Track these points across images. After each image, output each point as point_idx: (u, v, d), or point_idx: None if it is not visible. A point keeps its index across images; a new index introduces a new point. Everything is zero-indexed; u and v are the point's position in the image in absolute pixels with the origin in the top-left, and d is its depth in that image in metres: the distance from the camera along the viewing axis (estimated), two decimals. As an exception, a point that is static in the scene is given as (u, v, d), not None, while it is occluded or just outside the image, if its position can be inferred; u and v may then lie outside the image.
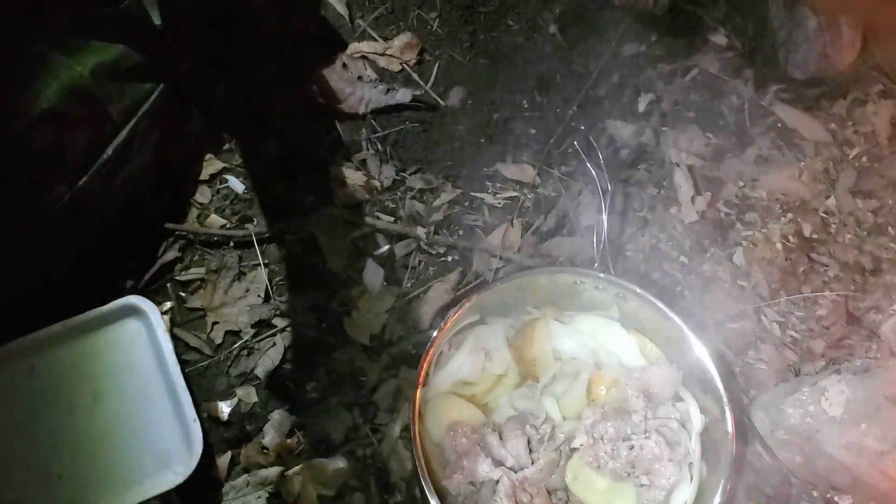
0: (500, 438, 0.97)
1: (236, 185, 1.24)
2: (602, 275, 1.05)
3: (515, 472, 0.95)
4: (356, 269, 1.20)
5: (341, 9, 1.40)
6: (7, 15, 0.98)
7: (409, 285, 1.19)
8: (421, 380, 0.98)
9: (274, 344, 1.13)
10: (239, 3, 1.32)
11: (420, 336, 1.13)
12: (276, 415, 1.06)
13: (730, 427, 0.94)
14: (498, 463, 0.95)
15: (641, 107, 1.36)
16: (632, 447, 0.95)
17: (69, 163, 1.07)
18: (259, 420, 1.07)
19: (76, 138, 1.07)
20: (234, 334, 1.13)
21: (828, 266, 1.21)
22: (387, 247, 1.21)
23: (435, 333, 0.99)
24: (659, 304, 1.01)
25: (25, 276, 1.03)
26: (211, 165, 1.25)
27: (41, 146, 1.04)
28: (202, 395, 1.08)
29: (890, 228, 1.26)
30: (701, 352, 0.98)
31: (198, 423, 0.99)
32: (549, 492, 0.95)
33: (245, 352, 1.12)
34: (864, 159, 1.31)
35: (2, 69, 1.00)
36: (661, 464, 0.94)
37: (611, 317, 1.08)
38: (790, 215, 1.26)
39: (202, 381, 1.10)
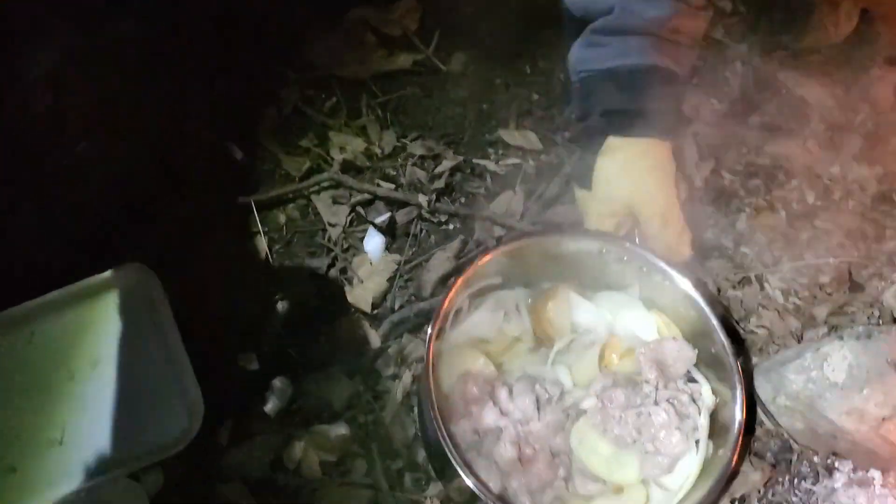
0: (510, 393, 0.97)
1: (234, 151, 1.23)
2: (628, 244, 1.03)
3: (521, 426, 0.95)
4: (357, 237, 1.19)
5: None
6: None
7: (410, 253, 1.18)
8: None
9: (275, 312, 1.12)
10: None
11: (422, 304, 1.13)
12: (278, 382, 1.06)
13: (738, 413, 0.94)
14: (504, 414, 0.95)
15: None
16: (639, 414, 0.95)
17: (69, 128, 1.06)
18: (261, 387, 1.07)
19: (73, 103, 1.06)
20: (235, 303, 1.12)
21: (831, 233, 1.21)
22: (388, 214, 1.20)
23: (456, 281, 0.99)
24: (684, 281, 1.00)
25: (26, 243, 1.02)
26: (209, 132, 1.23)
27: (40, 111, 1.03)
28: (203, 363, 1.07)
29: (894, 195, 1.25)
30: (721, 339, 0.97)
31: (198, 391, 0.99)
32: (552, 454, 0.95)
33: (246, 319, 1.11)
34: (869, 126, 1.30)
35: (-1, 33, 0.99)
36: (669, 432, 0.94)
37: (632, 295, 1.07)
38: (794, 182, 1.25)
39: (203, 348, 1.08)
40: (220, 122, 1.25)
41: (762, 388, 1.06)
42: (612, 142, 1.02)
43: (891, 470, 0.98)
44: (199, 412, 0.98)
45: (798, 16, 1.34)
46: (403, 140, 1.27)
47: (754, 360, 1.11)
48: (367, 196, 1.21)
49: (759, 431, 1.06)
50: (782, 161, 1.27)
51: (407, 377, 1.07)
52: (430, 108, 1.31)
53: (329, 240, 1.19)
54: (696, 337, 1.01)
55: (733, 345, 0.97)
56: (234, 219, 1.19)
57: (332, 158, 1.24)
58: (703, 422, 0.97)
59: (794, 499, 1.01)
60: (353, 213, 1.21)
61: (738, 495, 1.01)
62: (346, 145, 1.25)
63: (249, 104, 1.27)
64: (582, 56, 1.03)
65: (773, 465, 1.03)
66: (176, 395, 1.01)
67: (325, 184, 1.22)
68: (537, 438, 0.95)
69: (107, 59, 1.11)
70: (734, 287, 1.16)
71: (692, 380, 1.01)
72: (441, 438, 0.89)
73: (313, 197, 1.21)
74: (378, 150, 1.25)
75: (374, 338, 1.11)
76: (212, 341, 1.09)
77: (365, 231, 1.19)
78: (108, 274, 1.05)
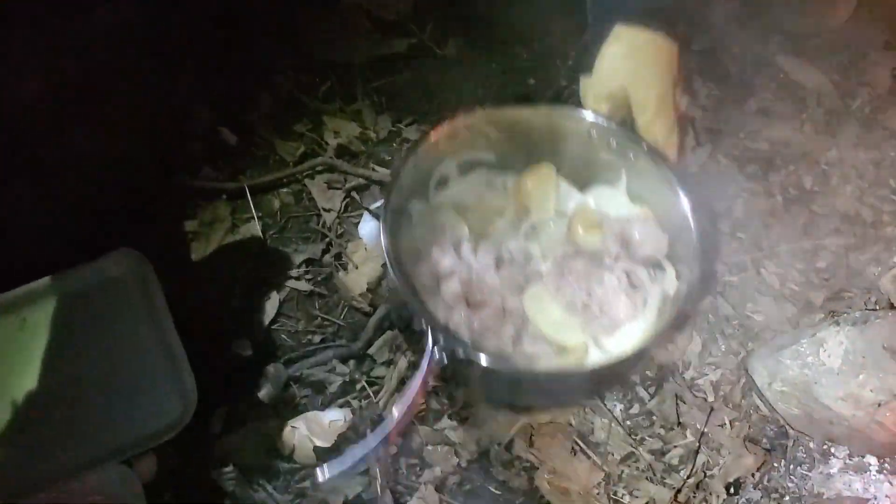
0: (474, 248, 1.01)
1: (229, 136, 1.22)
2: (617, 127, 1.02)
3: (476, 275, 0.99)
4: (351, 222, 1.18)
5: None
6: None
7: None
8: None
9: (269, 297, 1.12)
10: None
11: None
12: (272, 368, 1.05)
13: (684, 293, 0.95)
14: (461, 260, 0.99)
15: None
16: (592, 278, 0.99)
17: (63, 117, 1.06)
18: (255, 373, 1.06)
19: (66, 87, 1.06)
20: (228, 288, 1.12)
21: (828, 218, 1.20)
22: (383, 199, 1.19)
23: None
24: (668, 174, 1.00)
25: (19, 229, 1.02)
26: (204, 117, 1.23)
27: (34, 100, 1.03)
28: (196, 349, 1.06)
29: (891, 180, 1.25)
30: (693, 239, 0.97)
31: (192, 377, 0.98)
32: (504, 310, 0.98)
33: (239, 305, 1.11)
34: (867, 111, 1.30)
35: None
36: (616, 296, 0.98)
37: (619, 189, 1.07)
38: (791, 167, 1.24)
39: (196, 334, 1.07)
40: (214, 107, 1.24)
41: (758, 374, 1.06)
42: (620, 29, 1.00)
43: (887, 455, 0.98)
44: (192, 398, 0.97)
45: (796, 1, 1.33)
46: (398, 125, 1.26)
47: (750, 345, 1.10)
48: (361, 181, 1.21)
49: (754, 417, 1.06)
50: (779, 146, 1.26)
51: (402, 363, 1.06)
52: (425, 92, 1.30)
53: (323, 225, 1.18)
54: (674, 230, 1.01)
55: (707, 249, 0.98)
56: (228, 204, 1.18)
57: (327, 143, 1.23)
58: (655, 297, 0.99)
59: (790, 484, 1.01)
60: (347, 199, 1.20)
61: (732, 479, 1.00)
62: (341, 130, 1.24)
63: (243, 89, 1.26)
64: None
65: (769, 451, 1.03)
66: (169, 381, 1.00)
67: (320, 168, 1.21)
68: (491, 291, 0.98)
69: (100, 47, 1.11)
70: (730, 272, 1.15)
71: (661, 267, 1.02)
72: (391, 265, 0.92)
73: (307, 182, 1.20)
74: (373, 135, 1.25)
75: (369, 323, 1.10)
76: (205, 327, 1.09)
77: (360, 216, 1.18)
78: (101, 260, 1.05)
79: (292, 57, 1.30)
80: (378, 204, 1.19)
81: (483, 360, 0.89)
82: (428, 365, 0.89)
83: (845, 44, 1.35)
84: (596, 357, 0.97)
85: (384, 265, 1.14)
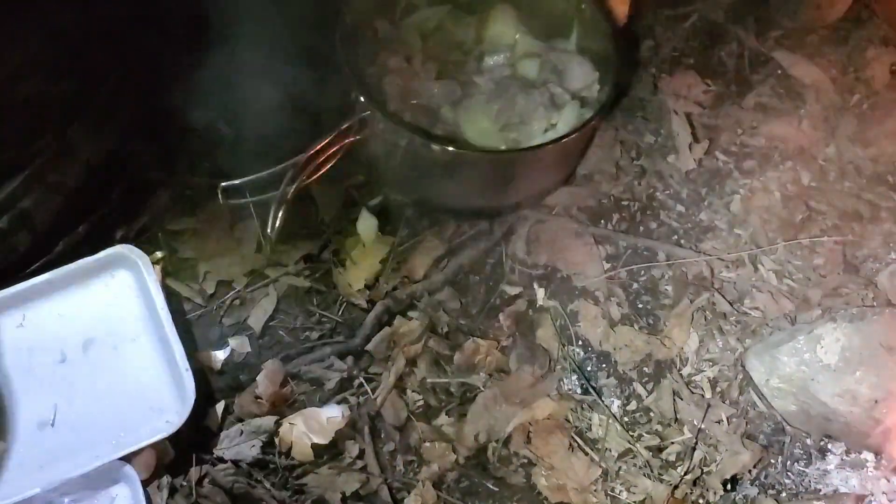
0: (423, 59, 1.15)
1: (227, 132, 1.22)
2: None
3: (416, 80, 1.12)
4: (350, 219, 1.18)
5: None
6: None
7: (403, 235, 1.18)
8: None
9: (267, 294, 1.12)
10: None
11: (414, 286, 1.12)
12: (270, 364, 1.05)
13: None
14: (407, 61, 1.13)
15: (640, 53, 1.34)
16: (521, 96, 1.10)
17: (56, 112, 1.05)
18: (253, 369, 1.06)
19: (62, 84, 1.05)
20: (226, 284, 1.12)
21: (826, 214, 1.21)
22: (381, 196, 1.20)
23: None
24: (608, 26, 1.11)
25: (18, 226, 1.02)
26: (202, 113, 1.23)
27: (28, 94, 1.02)
28: (195, 345, 1.07)
29: (889, 177, 1.25)
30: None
31: (190, 373, 0.98)
32: (438, 116, 1.10)
33: (238, 302, 1.11)
34: (865, 106, 1.30)
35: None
36: (536, 111, 1.09)
37: (570, 40, 1.18)
38: (789, 163, 1.24)
39: (195, 330, 1.09)
40: (212, 101, 1.24)
41: (755, 370, 1.06)
42: None
43: (883, 452, 0.99)
44: (191, 395, 0.97)
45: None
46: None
47: (748, 341, 1.10)
48: (360, 178, 1.20)
49: (751, 413, 1.06)
50: (777, 142, 1.26)
51: (399, 360, 1.07)
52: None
53: (321, 221, 1.18)
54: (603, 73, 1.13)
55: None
56: (226, 199, 1.17)
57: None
58: (569, 116, 1.10)
59: (787, 480, 1.02)
60: (346, 195, 1.20)
61: (729, 475, 1.01)
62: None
63: (241, 84, 1.26)
64: None
65: (766, 447, 1.03)
66: (168, 377, 1.01)
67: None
68: (429, 95, 1.11)
69: (93, 39, 1.10)
70: (727, 268, 1.15)
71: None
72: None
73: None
74: (371, 132, 1.24)
75: (367, 320, 1.10)
76: (203, 322, 1.09)
77: (358, 213, 1.18)
78: (99, 256, 1.05)
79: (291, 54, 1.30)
80: (377, 200, 1.19)
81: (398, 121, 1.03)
82: (346, 128, 1.02)
83: (843, 39, 1.35)
84: None
85: (382, 261, 1.15)
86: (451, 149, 1.04)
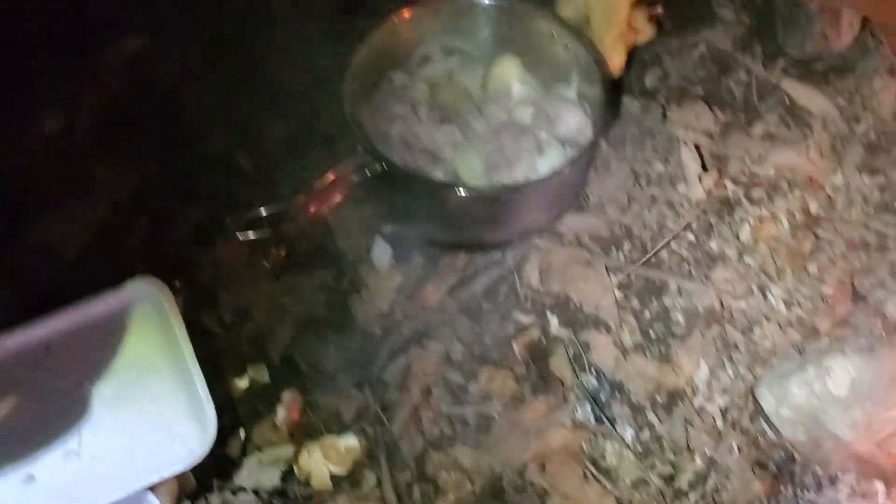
0: (430, 109, 1.19)
1: (245, 163, 1.25)
2: (574, 32, 1.18)
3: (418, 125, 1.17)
4: (365, 248, 1.20)
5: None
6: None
7: (417, 262, 1.19)
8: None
9: (284, 323, 1.14)
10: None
11: (429, 315, 1.14)
12: (288, 394, 1.07)
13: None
14: (412, 109, 1.18)
15: (649, 82, 1.36)
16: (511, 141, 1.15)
17: (82, 149, 1.08)
18: (271, 399, 1.08)
19: (85, 119, 1.08)
20: (244, 313, 1.14)
21: (833, 243, 1.22)
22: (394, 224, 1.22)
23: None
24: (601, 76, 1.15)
25: (41, 259, 1.04)
26: (219, 144, 1.25)
27: (49, 132, 1.05)
28: (214, 375, 1.09)
29: (896, 205, 1.26)
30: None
31: (211, 403, 1.00)
32: (434, 157, 1.15)
33: (256, 331, 1.13)
34: (872, 135, 1.31)
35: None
36: (520, 154, 1.13)
37: (571, 89, 1.22)
38: (797, 192, 1.26)
39: (214, 360, 1.10)
40: (229, 132, 1.26)
41: (766, 400, 1.07)
42: None
43: (894, 483, 1.00)
44: (212, 424, 0.99)
45: (799, 25, 1.35)
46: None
47: (758, 370, 1.12)
48: (374, 206, 1.22)
49: (762, 442, 1.07)
50: (785, 171, 1.27)
51: (415, 389, 1.08)
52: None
53: (338, 250, 1.20)
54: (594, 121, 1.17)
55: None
56: (244, 230, 1.19)
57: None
58: (550, 162, 1.15)
59: (798, 509, 1.03)
60: (360, 224, 1.22)
61: (740, 504, 1.03)
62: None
63: (258, 114, 1.28)
64: None
65: (777, 476, 1.05)
66: (189, 407, 1.02)
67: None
68: (431, 141, 1.15)
69: (115, 76, 1.13)
70: (737, 298, 1.17)
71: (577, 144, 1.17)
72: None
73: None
74: (386, 161, 1.26)
75: (382, 349, 1.12)
76: (223, 353, 1.11)
77: (373, 240, 1.20)
78: (121, 288, 1.07)
79: (307, 84, 1.32)
80: (390, 228, 1.21)
81: (393, 166, 1.07)
82: (350, 165, 1.07)
83: (850, 68, 1.37)
84: None
85: (398, 289, 1.17)
86: (441, 189, 1.10)
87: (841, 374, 1.02)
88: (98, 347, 1.06)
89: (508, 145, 1.14)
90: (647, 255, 1.19)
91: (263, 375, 1.10)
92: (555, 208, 1.20)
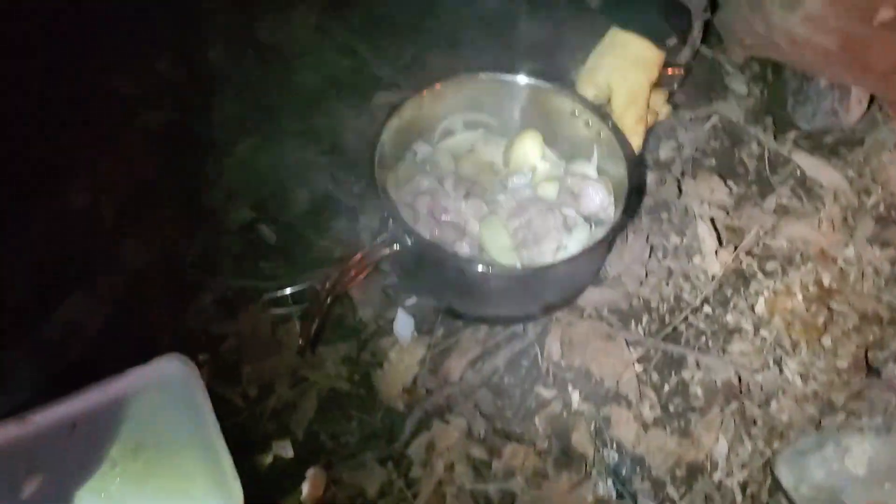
0: (454, 181, 1.20)
1: (268, 235, 1.26)
2: (594, 109, 1.20)
3: (446, 198, 1.18)
4: (387, 319, 1.22)
5: (368, 57, 1.41)
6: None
7: (439, 335, 1.21)
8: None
9: (308, 397, 1.15)
10: (269, 54, 1.34)
11: (451, 389, 1.15)
12: (313, 471, 1.08)
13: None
14: (439, 182, 1.19)
15: (663, 154, 1.39)
16: (537, 218, 1.16)
17: (105, 221, 1.10)
18: (295, 475, 1.09)
19: (110, 196, 1.10)
20: (268, 387, 1.15)
21: (847, 316, 1.24)
22: (416, 297, 1.23)
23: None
24: (625, 155, 1.17)
25: (70, 336, 1.05)
26: (243, 215, 1.27)
27: (79, 207, 1.07)
28: (239, 450, 1.09)
29: (908, 277, 1.29)
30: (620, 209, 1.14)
31: (237, 480, 1.01)
32: (463, 231, 1.16)
33: (280, 405, 1.14)
34: (882, 209, 1.34)
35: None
36: (548, 233, 1.15)
37: (591, 163, 1.25)
38: (810, 264, 1.28)
39: (238, 435, 1.11)
40: (253, 205, 1.28)
41: (784, 477, 1.08)
42: (615, 31, 1.18)
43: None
44: (238, 500, 1.00)
45: (810, 99, 1.38)
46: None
47: (776, 444, 1.13)
48: (396, 279, 1.24)
49: (782, 519, 1.09)
50: (798, 243, 1.30)
51: (439, 465, 1.09)
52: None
53: (360, 322, 1.22)
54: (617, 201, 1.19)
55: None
56: (268, 303, 1.21)
57: (362, 241, 1.27)
58: (578, 239, 1.17)
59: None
60: (383, 295, 1.24)
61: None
62: (375, 228, 1.27)
63: (282, 187, 1.30)
64: None
65: (797, 553, 1.06)
66: (215, 482, 1.03)
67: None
68: (457, 212, 1.17)
69: (143, 152, 1.15)
70: (753, 371, 1.19)
71: (601, 221, 1.19)
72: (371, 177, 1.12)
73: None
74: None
75: (406, 424, 1.13)
76: (247, 428, 1.12)
77: (395, 313, 1.22)
78: (148, 365, 1.08)
79: (328, 156, 1.34)
80: (413, 300, 1.23)
81: (423, 240, 1.09)
82: (380, 244, 1.08)
83: (859, 141, 1.40)
84: None
85: (420, 361, 1.18)
86: (472, 266, 1.10)
87: (858, 452, 1.04)
88: (125, 425, 1.07)
89: (536, 222, 1.15)
90: (666, 329, 1.21)
91: (287, 451, 1.11)
92: (578, 284, 1.21)
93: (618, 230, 1.14)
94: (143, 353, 1.09)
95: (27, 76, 1.03)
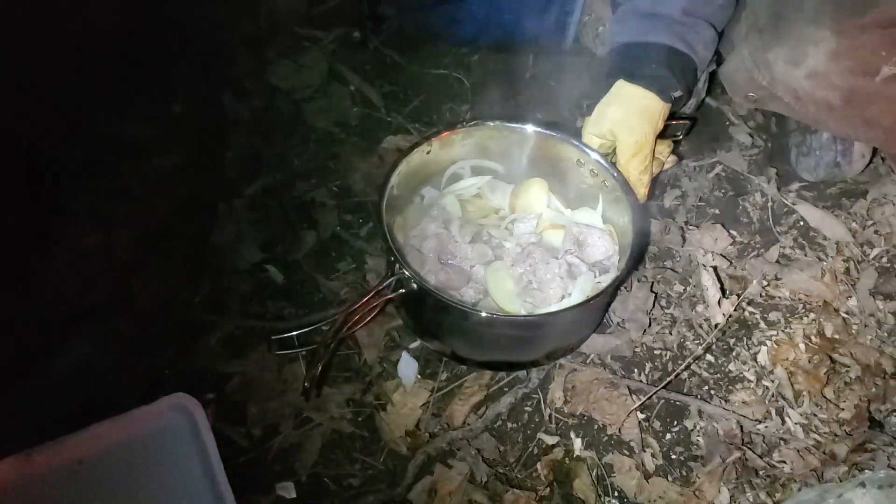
0: (460, 225, 1.22)
1: (276, 275, 1.28)
2: (600, 158, 1.22)
3: (453, 242, 1.20)
4: (391, 361, 1.23)
5: (377, 102, 1.44)
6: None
7: (443, 378, 1.22)
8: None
9: (312, 438, 1.15)
10: (281, 97, 1.37)
11: (454, 433, 1.16)
12: (315, 515, 1.09)
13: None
14: (444, 227, 1.21)
15: (667, 202, 1.40)
16: (542, 263, 1.18)
17: (116, 261, 1.11)
18: (299, 517, 1.09)
19: (122, 236, 1.11)
20: (273, 428, 1.16)
21: (849, 367, 1.24)
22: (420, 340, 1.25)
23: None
24: (628, 202, 1.18)
25: (77, 375, 1.06)
26: (252, 255, 1.28)
27: (90, 247, 1.08)
28: (242, 490, 1.10)
29: (910, 329, 1.29)
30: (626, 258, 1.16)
31: (241, 522, 1.02)
32: (468, 276, 1.19)
33: (284, 446, 1.15)
34: (884, 260, 1.35)
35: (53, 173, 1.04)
36: (553, 279, 1.16)
37: (596, 211, 1.27)
38: (812, 315, 1.29)
39: (242, 475, 1.12)
40: (261, 245, 1.30)
41: (788, 529, 1.09)
42: (621, 83, 1.21)
43: None
44: (240, 544, 1.00)
45: (813, 152, 1.40)
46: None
47: (777, 495, 1.13)
48: (401, 321, 1.25)
49: (785, 571, 1.09)
50: (801, 294, 1.31)
51: (442, 510, 1.10)
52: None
53: (364, 364, 1.22)
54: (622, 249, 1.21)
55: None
56: (274, 343, 1.22)
57: (368, 283, 1.28)
58: (583, 287, 1.17)
59: None
60: (388, 338, 1.25)
61: None
62: (382, 270, 1.29)
63: (290, 228, 1.32)
64: (614, 29, 1.28)
65: None
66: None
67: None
68: (463, 258, 1.20)
69: (151, 193, 1.17)
70: (756, 422, 1.19)
71: (607, 269, 1.22)
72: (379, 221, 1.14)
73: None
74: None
75: (409, 467, 1.13)
76: (250, 468, 1.12)
77: (399, 355, 1.23)
78: (154, 404, 1.08)
79: (336, 197, 1.36)
80: (417, 343, 1.24)
81: (428, 286, 1.10)
82: (385, 287, 1.09)
83: (862, 193, 1.42)
84: None
85: (424, 405, 1.19)
86: (474, 313, 1.11)
87: (862, 507, 1.04)
88: (130, 463, 1.07)
89: (540, 269, 1.17)
90: (669, 378, 1.21)
91: (290, 492, 1.11)
92: (582, 332, 1.22)
93: (622, 279, 1.15)
94: (149, 392, 1.10)
95: (43, 117, 1.05)
